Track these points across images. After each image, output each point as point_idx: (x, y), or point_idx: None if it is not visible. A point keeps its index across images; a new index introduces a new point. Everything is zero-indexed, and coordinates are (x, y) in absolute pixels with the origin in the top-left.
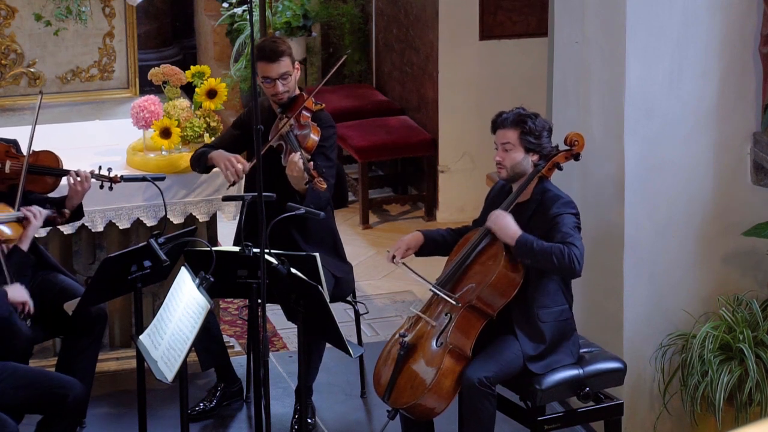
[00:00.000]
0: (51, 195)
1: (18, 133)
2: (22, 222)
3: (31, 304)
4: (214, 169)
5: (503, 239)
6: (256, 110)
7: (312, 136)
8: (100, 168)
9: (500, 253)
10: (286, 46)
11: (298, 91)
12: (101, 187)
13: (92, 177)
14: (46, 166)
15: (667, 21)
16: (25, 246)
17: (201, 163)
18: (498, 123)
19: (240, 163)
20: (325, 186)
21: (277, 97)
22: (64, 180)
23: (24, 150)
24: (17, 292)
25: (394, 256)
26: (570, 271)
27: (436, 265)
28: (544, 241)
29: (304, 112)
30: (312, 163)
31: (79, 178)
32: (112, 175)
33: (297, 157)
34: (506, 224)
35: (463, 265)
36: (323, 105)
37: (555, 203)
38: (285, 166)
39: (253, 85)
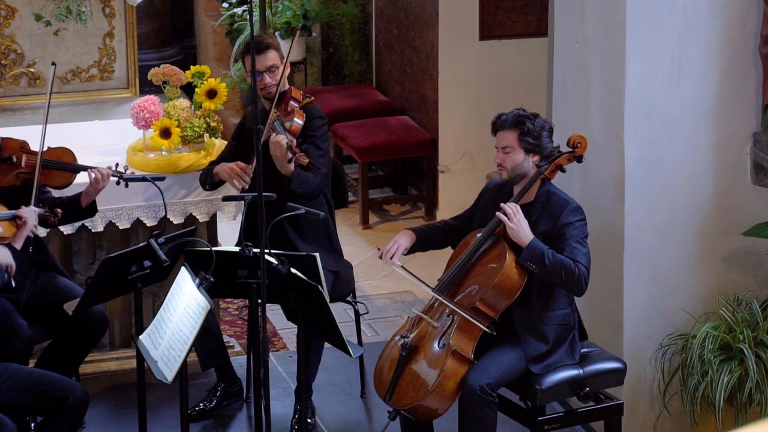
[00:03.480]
0: (65, 192)
1: (20, 132)
2: (16, 221)
3: (13, 265)
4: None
5: (514, 237)
6: (256, 110)
7: (296, 120)
8: (117, 165)
9: (504, 255)
10: (272, 40)
11: (287, 86)
12: (117, 183)
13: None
14: (62, 161)
15: (667, 21)
16: (18, 245)
17: (208, 181)
18: (497, 125)
19: (244, 171)
20: (307, 160)
21: (265, 91)
22: (78, 177)
23: (35, 148)
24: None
25: (390, 257)
26: (576, 289)
27: (437, 265)
28: (549, 246)
29: (291, 102)
30: (295, 141)
31: (101, 176)
32: (128, 172)
33: (281, 138)
34: (521, 223)
35: (466, 267)
36: (312, 98)
37: (563, 210)
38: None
39: (254, 85)
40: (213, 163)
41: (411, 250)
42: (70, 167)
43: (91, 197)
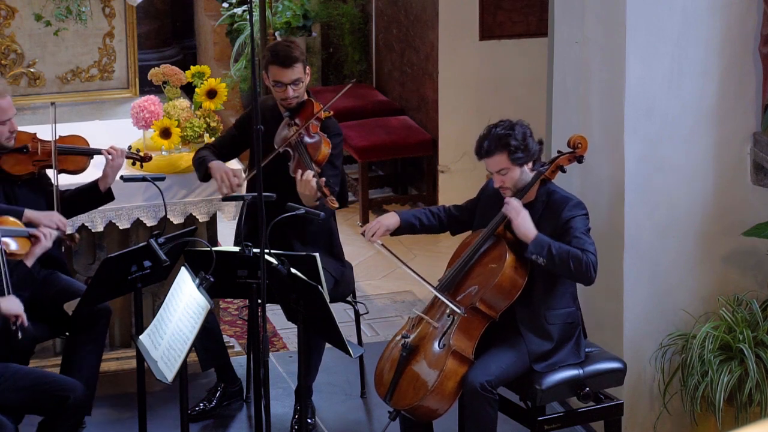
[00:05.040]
0: (83, 182)
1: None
2: (31, 239)
3: (24, 317)
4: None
5: (519, 233)
6: (256, 111)
7: (323, 148)
8: (129, 148)
9: (504, 255)
10: (299, 52)
11: (306, 96)
12: (133, 164)
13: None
14: (77, 146)
15: (667, 21)
16: (29, 262)
17: (201, 170)
18: (483, 153)
19: (236, 177)
20: (337, 205)
21: (286, 102)
22: (92, 162)
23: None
24: (11, 305)
25: (372, 235)
26: (585, 278)
27: (438, 265)
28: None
29: (314, 122)
30: (323, 179)
31: (116, 153)
32: (142, 154)
33: (311, 176)
34: (525, 218)
35: (466, 267)
36: (331, 112)
37: (565, 206)
38: (294, 177)
39: (254, 85)
40: (209, 146)
41: (397, 233)
42: (85, 151)
43: (108, 180)
